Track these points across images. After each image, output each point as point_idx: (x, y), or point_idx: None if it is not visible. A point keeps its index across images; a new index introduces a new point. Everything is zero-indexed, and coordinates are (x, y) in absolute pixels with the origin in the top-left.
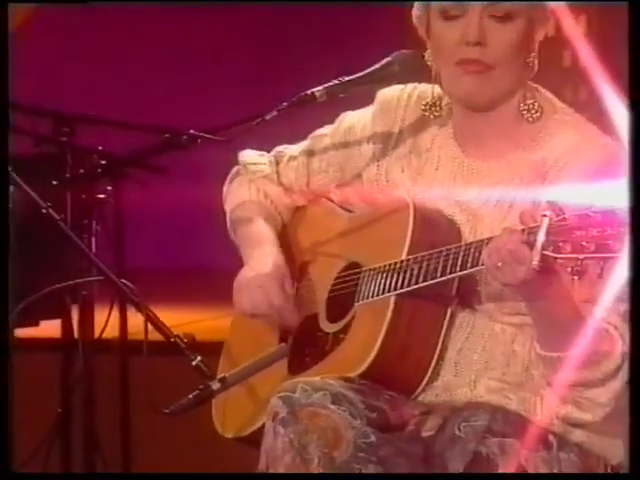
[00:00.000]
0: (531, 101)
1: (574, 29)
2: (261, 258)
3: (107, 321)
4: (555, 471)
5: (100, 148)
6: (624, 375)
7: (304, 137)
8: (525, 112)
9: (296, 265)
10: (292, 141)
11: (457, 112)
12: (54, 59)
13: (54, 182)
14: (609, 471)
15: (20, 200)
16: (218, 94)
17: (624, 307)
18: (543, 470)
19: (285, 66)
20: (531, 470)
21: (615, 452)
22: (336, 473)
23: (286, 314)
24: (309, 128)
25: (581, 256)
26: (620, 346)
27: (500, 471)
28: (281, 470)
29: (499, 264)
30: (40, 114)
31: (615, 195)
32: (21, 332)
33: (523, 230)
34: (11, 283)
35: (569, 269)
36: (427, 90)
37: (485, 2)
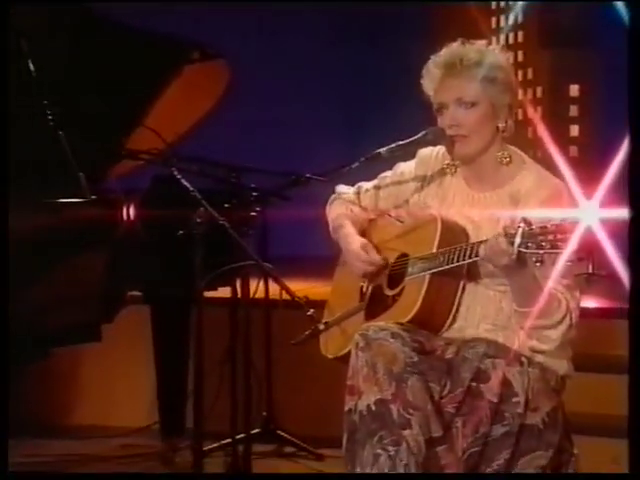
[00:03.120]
0: (501, 152)
1: (534, 114)
2: (354, 245)
3: (257, 287)
4: (525, 380)
5: (253, 185)
6: (567, 321)
7: (374, 177)
8: (498, 159)
9: None
10: (368, 179)
11: (462, 164)
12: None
13: (226, 205)
14: (558, 380)
15: (206, 218)
16: (327, 150)
17: (567, 281)
18: (517, 377)
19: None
20: (509, 377)
21: (562, 367)
22: (337, 473)
23: (372, 269)
24: (378, 172)
25: (541, 252)
26: (564, 303)
27: (492, 380)
28: (361, 378)
29: (493, 256)
30: (219, 165)
31: (562, 215)
32: (207, 294)
33: (506, 235)
34: (199, 266)
35: (534, 259)
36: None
37: (457, 94)
